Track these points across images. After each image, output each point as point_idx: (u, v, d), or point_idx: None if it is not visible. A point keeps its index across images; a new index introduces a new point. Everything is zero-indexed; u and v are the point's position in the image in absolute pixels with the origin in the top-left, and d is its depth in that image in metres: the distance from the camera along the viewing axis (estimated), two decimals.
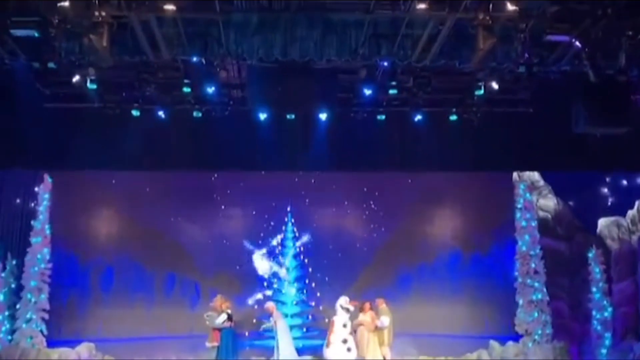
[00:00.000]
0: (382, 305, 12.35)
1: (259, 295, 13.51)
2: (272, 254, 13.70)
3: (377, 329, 12.15)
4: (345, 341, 11.93)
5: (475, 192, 13.86)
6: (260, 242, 13.70)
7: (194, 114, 12.31)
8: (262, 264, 13.64)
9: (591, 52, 9.59)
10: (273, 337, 12.52)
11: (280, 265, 13.68)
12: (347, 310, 12.07)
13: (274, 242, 13.76)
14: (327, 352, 11.98)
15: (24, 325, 12.57)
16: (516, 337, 13.17)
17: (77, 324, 13.17)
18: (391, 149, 13.09)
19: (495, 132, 12.66)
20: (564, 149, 12.43)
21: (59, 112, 12.18)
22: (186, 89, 11.60)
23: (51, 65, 10.47)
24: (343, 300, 12.14)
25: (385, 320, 12.10)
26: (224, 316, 12.19)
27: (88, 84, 10.95)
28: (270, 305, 12.50)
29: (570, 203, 14.36)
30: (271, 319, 12.20)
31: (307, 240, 13.77)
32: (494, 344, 13.13)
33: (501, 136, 12.74)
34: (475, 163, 13.04)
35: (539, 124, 12.46)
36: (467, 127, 12.51)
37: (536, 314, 13.09)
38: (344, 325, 12.02)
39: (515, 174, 14.06)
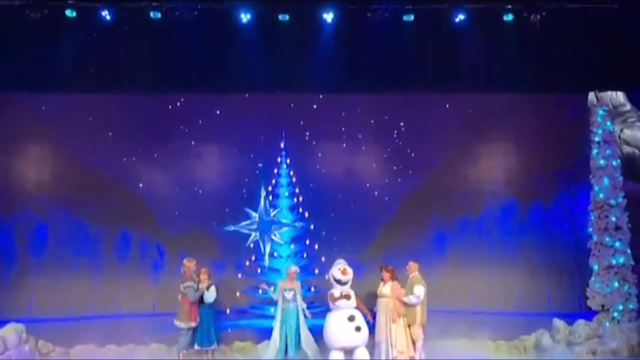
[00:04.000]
0: (414, 271, 12.36)
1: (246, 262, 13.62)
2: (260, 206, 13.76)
3: (404, 303, 12.18)
4: (352, 318, 11.98)
5: (537, 121, 13.83)
6: (244, 189, 13.68)
7: (151, 14, 12.42)
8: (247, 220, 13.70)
9: None
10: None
11: (272, 220, 13.75)
12: (339, 282, 12.10)
13: (263, 190, 13.73)
14: (329, 333, 12.07)
15: None
16: (589, 315, 13.31)
17: (0, 300, 13.28)
18: (422, 61, 13.19)
19: (565, 37, 12.71)
20: None
21: None
22: None
23: None
24: (336, 269, 12.16)
25: (419, 291, 12.10)
26: (213, 290, 12.33)
27: None
28: (293, 269, 12.61)
29: None
30: (291, 288, 12.26)
31: (307, 186, 13.78)
32: (558, 323, 13.25)
33: (573, 43, 12.79)
34: (537, 81, 13.12)
35: (625, 25, 12.46)
36: (527, 31, 12.59)
37: (616, 284, 13.26)
38: (347, 298, 12.04)
39: (591, 95, 14.06)
